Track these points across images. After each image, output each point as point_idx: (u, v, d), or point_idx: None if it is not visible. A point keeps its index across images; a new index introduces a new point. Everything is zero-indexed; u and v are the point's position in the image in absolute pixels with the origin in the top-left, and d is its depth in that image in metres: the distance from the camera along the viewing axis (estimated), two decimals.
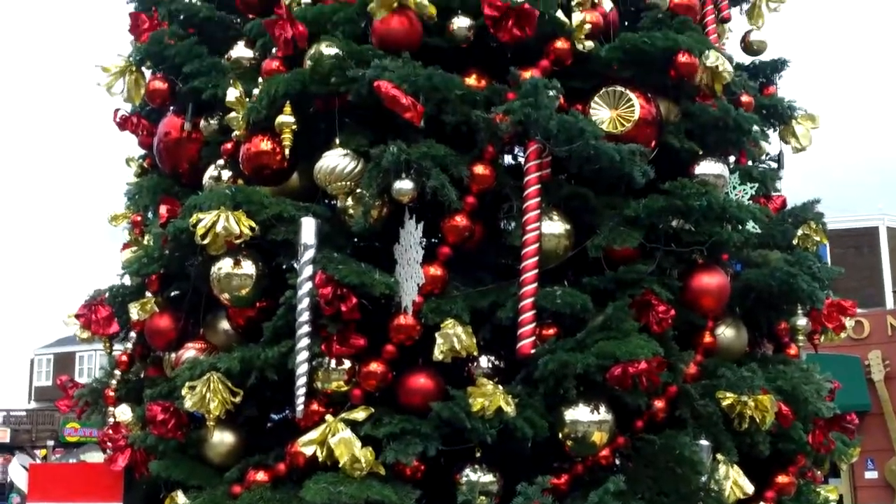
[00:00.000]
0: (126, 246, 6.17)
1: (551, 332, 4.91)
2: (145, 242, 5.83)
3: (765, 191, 6.07)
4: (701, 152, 5.52)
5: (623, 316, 4.91)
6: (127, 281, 5.85)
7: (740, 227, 5.30)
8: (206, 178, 5.57)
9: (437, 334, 4.78)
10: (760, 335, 5.89)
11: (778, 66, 6.71)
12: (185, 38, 5.79)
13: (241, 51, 5.84)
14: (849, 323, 6.08)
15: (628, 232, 5.09)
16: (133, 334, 5.83)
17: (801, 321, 5.78)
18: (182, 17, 5.94)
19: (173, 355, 5.48)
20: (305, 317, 4.76)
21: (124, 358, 5.89)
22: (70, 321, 5.83)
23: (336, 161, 4.98)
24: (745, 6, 6.70)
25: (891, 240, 25.70)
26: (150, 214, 6.07)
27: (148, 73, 5.99)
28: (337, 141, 5.04)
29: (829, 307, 5.86)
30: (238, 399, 4.93)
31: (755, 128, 5.84)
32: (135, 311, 5.53)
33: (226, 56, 5.83)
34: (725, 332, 5.50)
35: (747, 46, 6.67)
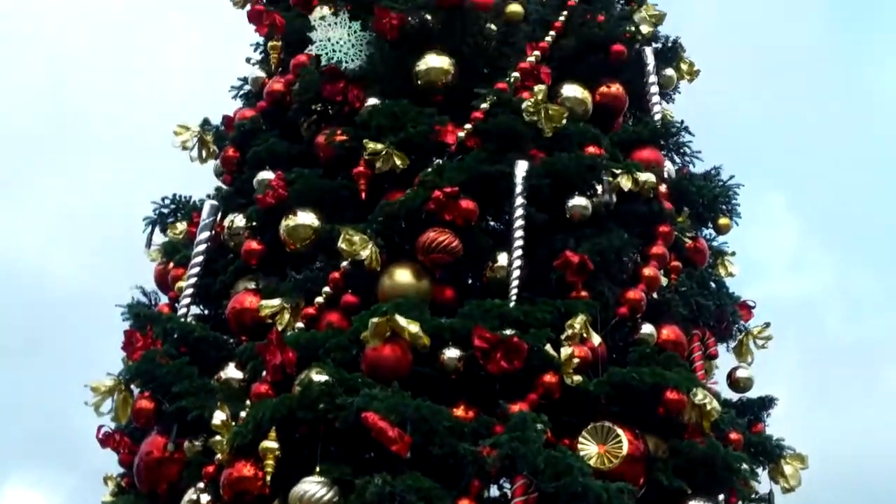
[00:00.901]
0: None
1: None
2: None
3: None
4: (689, 491, 5.42)
5: None
6: None
7: None
8: (184, 501, 5.44)
9: None
10: None
11: (766, 403, 6.75)
12: (176, 357, 5.82)
13: (231, 372, 5.87)
14: None
15: None
16: None
17: None
18: (176, 335, 6.00)
19: None
20: None
21: None
22: None
23: (308, 487, 4.90)
24: (732, 343, 6.82)
25: None
26: None
27: (136, 390, 5.98)
28: (318, 469, 4.98)
29: None
30: None
31: (744, 466, 5.78)
32: None
33: (216, 376, 5.86)
34: None
35: (733, 383, 6.72)
